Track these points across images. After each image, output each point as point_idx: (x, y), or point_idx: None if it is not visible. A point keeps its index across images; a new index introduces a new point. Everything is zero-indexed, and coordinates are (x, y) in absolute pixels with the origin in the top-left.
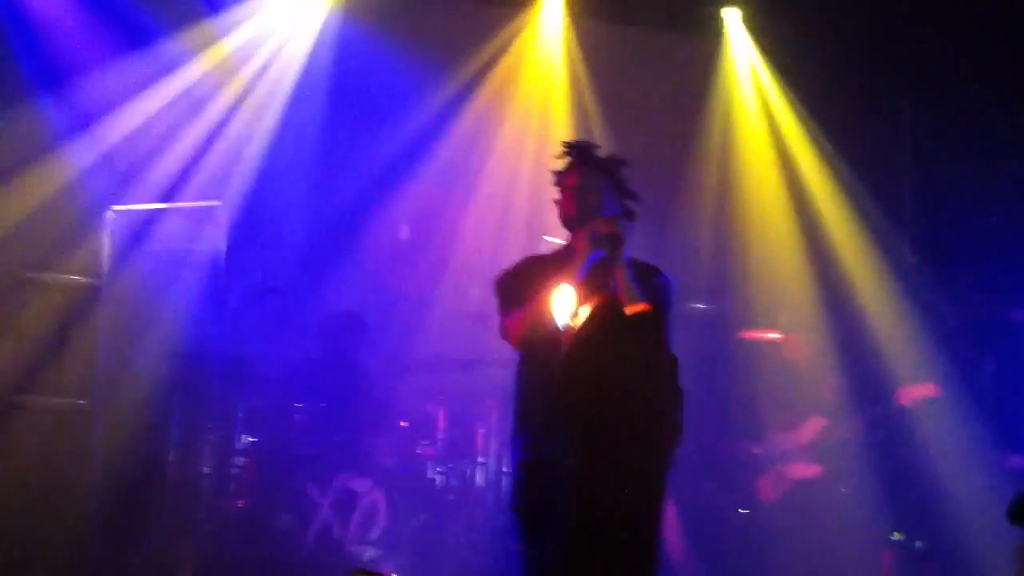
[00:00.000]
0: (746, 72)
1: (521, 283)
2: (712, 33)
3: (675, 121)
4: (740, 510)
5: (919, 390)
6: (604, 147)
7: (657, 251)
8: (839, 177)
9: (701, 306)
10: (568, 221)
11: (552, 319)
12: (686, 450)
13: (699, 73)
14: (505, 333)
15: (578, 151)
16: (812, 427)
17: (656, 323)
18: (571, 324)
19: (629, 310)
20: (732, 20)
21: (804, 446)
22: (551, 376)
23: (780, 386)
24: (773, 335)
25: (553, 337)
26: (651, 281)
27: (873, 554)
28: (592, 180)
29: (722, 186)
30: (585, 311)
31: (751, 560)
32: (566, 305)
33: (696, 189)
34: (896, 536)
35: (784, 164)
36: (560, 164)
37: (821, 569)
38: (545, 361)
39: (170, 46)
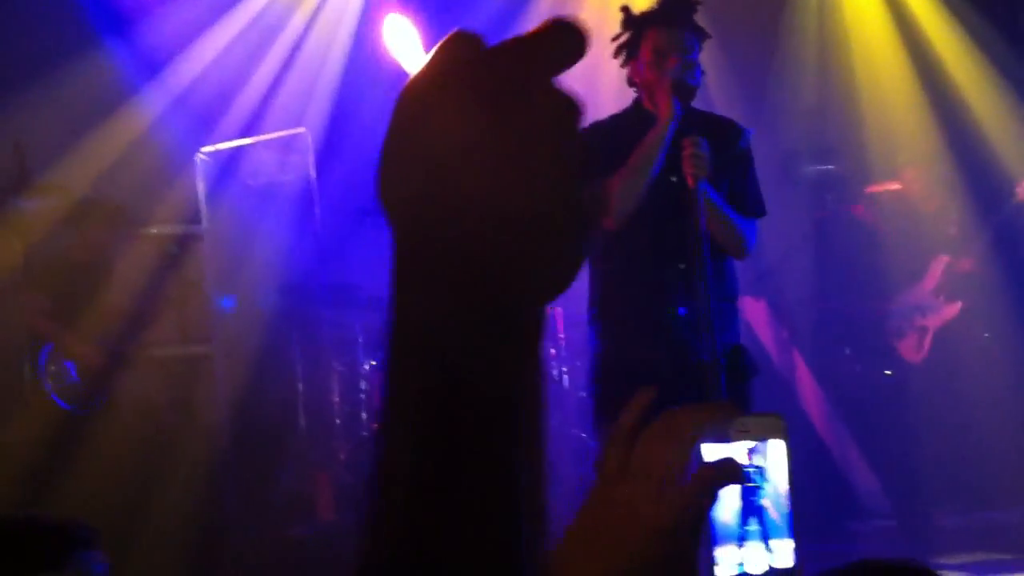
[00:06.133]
0: None
1: (601, 149)
2: None
3: None
4: (886, 372)
5: None
6: None
7: (759, 115)
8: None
9: (821, 168)
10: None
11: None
12: (817, 316)
13: None
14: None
15: (676, 7)
16: (937, 268)
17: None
18: None
19: None
20: None
21: (935, 290)
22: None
23: (904, 235)
24: (893, 185)
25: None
26: (735, 146)
27: None
28: (686, 39)
29: (824, 34)
30: None
31: (898, 420)
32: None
33: (797, 42)
34: None
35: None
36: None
37: (973, 421)
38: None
39: None
